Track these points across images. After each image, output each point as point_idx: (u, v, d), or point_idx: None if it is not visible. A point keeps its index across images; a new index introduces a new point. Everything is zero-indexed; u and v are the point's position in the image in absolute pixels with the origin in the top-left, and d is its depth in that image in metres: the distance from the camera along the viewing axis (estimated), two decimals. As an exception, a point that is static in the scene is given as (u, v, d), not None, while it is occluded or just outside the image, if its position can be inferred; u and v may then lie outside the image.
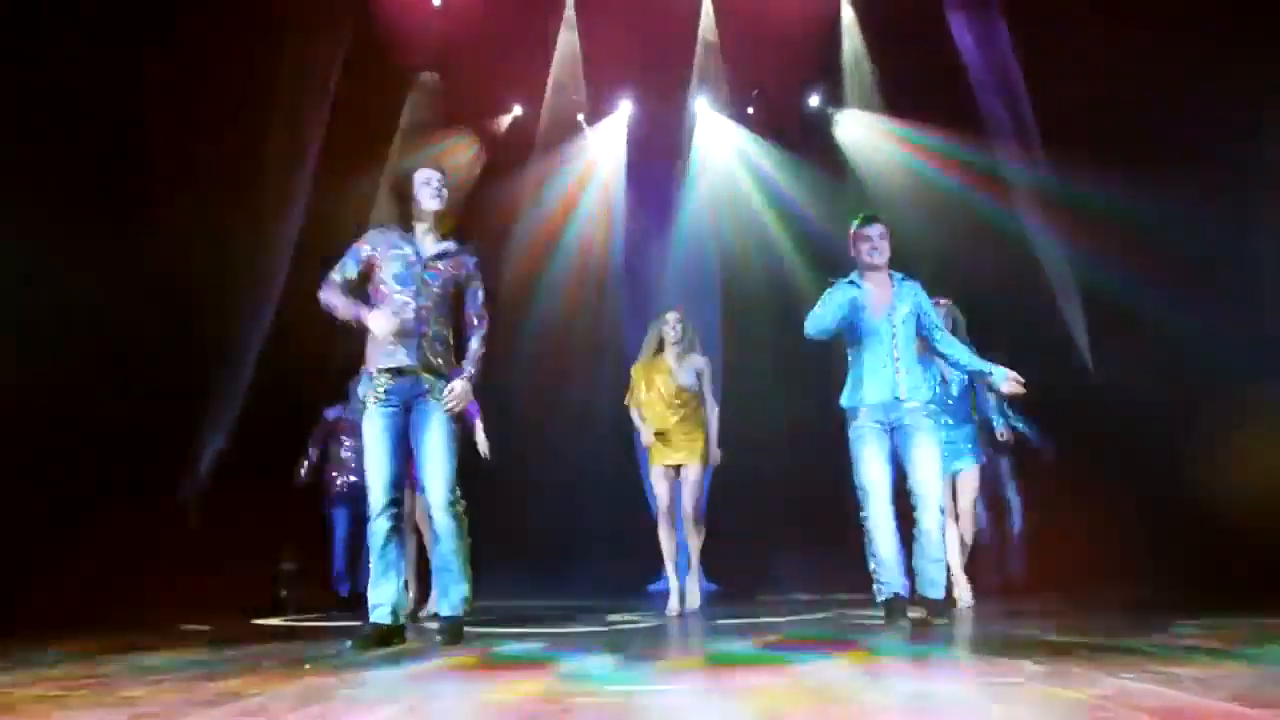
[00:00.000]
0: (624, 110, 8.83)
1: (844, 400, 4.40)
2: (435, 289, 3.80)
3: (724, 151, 8.37)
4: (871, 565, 4.27)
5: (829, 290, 4.40)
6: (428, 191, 3.84)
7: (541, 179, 8.64)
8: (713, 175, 8.33)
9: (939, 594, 4.27)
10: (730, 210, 8.20)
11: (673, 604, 5.65)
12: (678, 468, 5.79)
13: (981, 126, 7.15)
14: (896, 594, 4.19)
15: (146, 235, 7.12)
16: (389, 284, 3.76)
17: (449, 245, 3.88)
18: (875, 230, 4.40)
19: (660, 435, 5.78)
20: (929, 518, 4.21)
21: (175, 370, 7.16)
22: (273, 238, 8.04)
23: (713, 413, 5.84)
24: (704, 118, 8.64)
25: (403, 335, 3.70)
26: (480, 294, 3.97)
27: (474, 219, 8.37)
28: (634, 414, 5.90)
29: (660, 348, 5.83)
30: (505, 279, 8.37)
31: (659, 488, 5.83)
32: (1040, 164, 6.92)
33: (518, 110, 8.90)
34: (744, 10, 7.69)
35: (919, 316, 4.40)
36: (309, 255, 7.90)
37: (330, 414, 7.26)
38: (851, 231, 4.45)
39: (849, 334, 4.40)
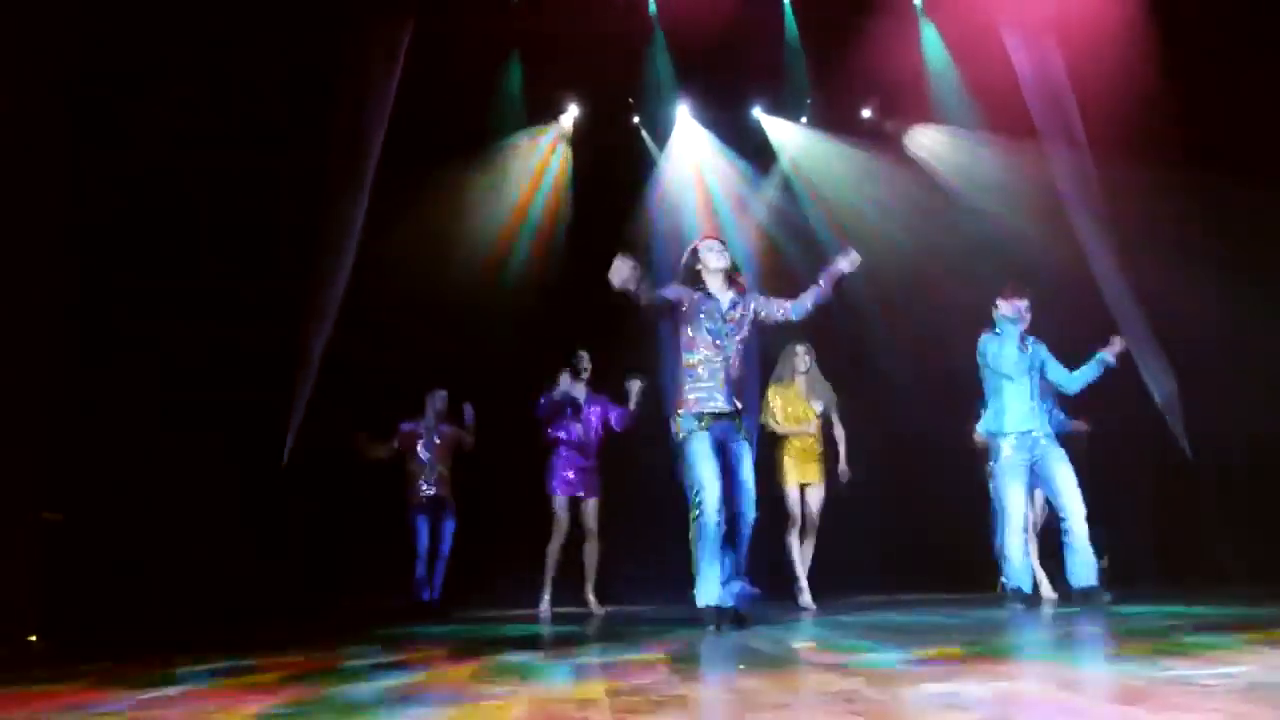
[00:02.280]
0: (683, 114, 8.88)
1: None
2: (737, 339, 4.57)
3: (812, 159, 8.57)
4: None
5: (985, 339, 5.57)
6: (713, 255, 4.56)
7: (641, 181, 8.66)
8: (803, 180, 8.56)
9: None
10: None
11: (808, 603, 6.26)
12: (804, 486, 6.45)
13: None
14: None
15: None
16: (703, 337, 4.50)
17: (735, 295, 4.61)
18: (1024, 303, 5.48)
19: (794, 456, 6.43)
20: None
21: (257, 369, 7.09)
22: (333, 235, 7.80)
23: (840, 434, 6.61)
24: (769, 124, 8.81)
25: (718, 382, 4.47)
26: (766, 298, 4.72)
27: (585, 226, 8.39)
28: (771, 425, 6.48)
29: (790, 376, 6.53)
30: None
31: (797, 504, 6.40)
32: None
33: (574, 109, 8.85)
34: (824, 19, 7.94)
35: (1043, 364, 5.57)
36: (370, 258, 7.77)
37: (405, 427, 7.29)
38: (1001, 299, 5.53)
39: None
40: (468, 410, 7.13)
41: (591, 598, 6.42)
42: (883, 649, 3.46)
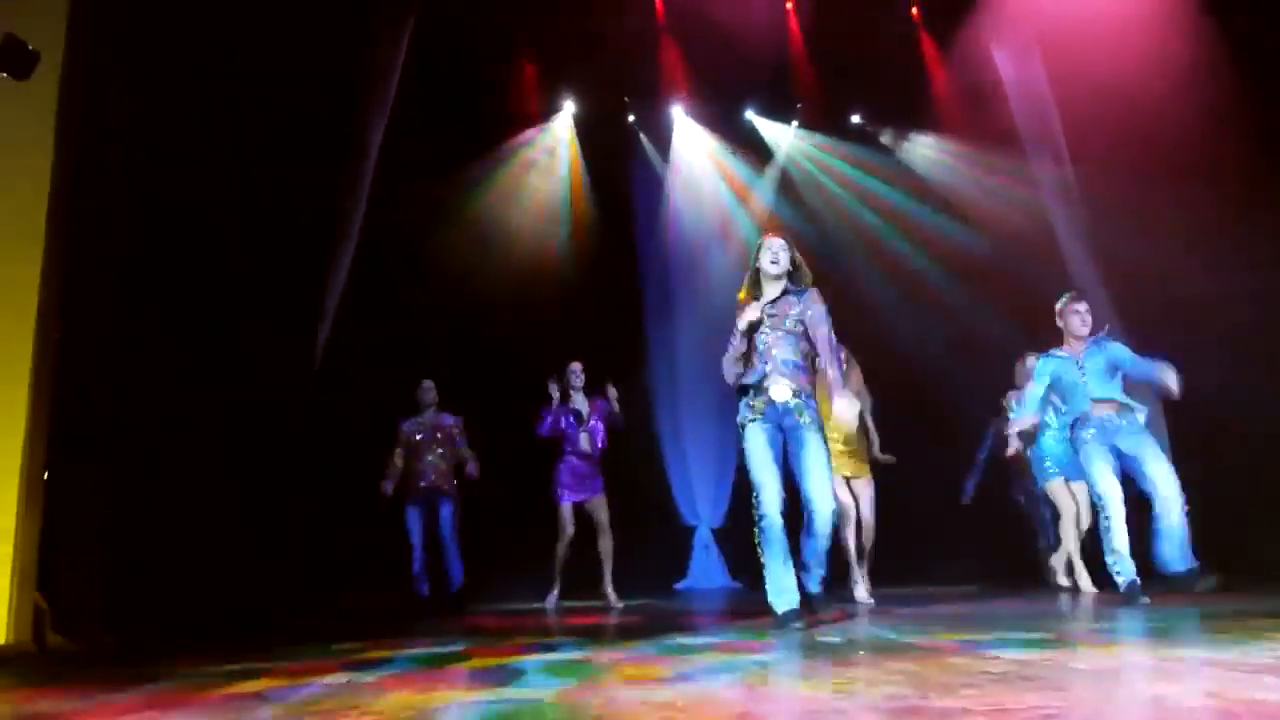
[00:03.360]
0: (678, 116, 8.97)
1: None
2: (780, 329, 4.33)
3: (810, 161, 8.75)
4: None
5: (1040, 364, 5.30)
6: (767, 257, 4.39)
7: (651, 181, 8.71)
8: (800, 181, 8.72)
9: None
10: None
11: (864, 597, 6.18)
12: (849, 480, 6.36)
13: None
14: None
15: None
16: (762, 333, 4.33)
17: (786, 286, 4.41)
18: (1083, 305, 5.23)
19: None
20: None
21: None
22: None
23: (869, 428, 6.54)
24: (763, 125, 8.97)
25: (772, 365, 4.28)
26: (822, 326, 4.35)
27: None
28: None
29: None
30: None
31: (843, 494, 6.25)
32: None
33: (572, 107, 8.87)
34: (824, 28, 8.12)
35: (1114, 362, 5.13)
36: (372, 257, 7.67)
37: (405, 426, 7.31)
38: (1060, 307, 5.25)
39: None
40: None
41: (610, 591, 6.50)
42: (986, 634, 3.53)
